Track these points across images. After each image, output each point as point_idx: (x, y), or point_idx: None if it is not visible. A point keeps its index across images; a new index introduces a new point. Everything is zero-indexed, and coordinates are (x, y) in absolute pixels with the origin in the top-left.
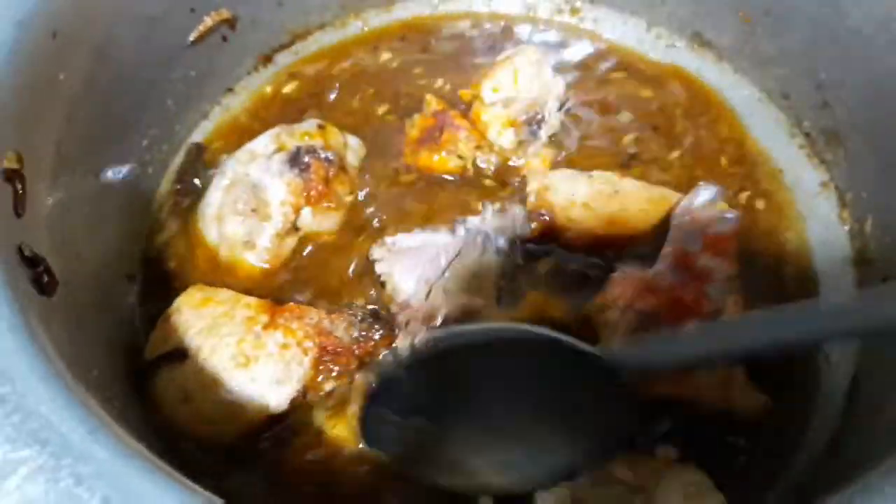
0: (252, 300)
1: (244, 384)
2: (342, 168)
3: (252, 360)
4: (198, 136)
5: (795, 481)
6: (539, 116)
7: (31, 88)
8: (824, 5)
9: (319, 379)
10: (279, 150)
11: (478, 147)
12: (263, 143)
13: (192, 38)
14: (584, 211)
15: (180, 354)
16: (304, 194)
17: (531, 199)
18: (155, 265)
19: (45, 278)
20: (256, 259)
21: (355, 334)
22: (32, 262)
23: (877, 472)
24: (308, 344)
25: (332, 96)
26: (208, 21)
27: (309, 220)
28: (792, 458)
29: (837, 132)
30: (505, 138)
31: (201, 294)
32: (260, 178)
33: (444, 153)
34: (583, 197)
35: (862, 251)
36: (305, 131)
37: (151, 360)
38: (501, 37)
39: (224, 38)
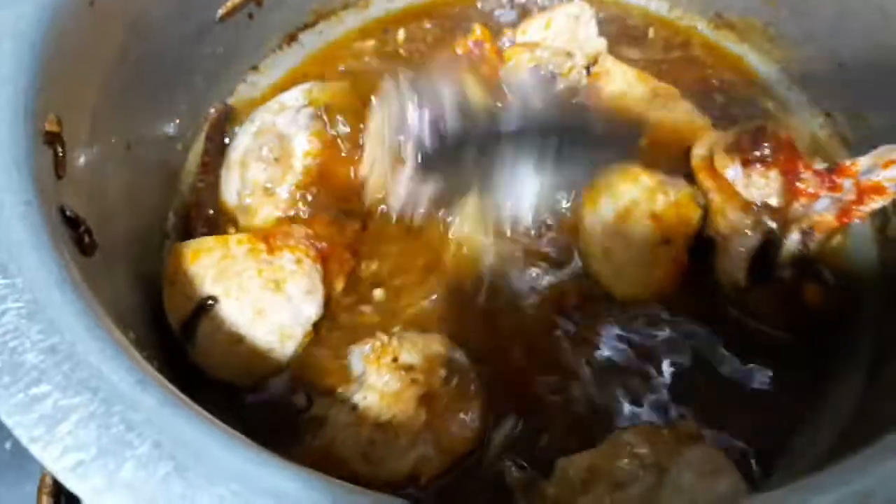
0: (239, 236)
1: (284, 305)
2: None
3: (281, 282)
4: None
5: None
6: (551, 67)
7: (69, 55)
8: None
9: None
10: (309, 104)
11: None
12: (294, 95)
13: (220, 14)
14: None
15: (211, 302)
16: (329, 150)
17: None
18: (185, 230)
19: (86, 239)
20: (273, 209)
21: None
22: (74, 223)
23: None
24: (312, 252)
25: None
26: None
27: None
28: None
29: (858, 112)
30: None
31: (187, 250)
32: (286, 129)
33: None
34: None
35: (882, 228)
36: (337, 91)
37: (185, 318)
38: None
39: (251, 16)
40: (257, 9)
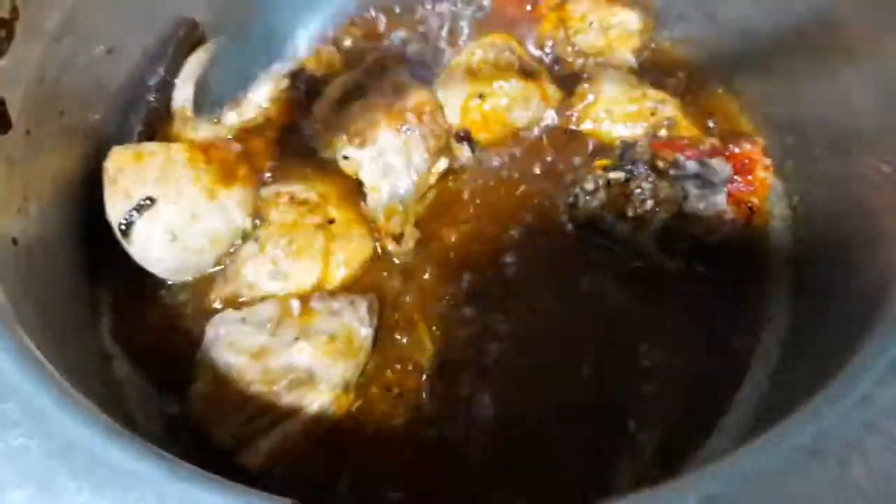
0: (179, 145)
1: (218, 212)
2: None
3: (216, 191)
4: None
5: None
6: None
7: None
8: None
9: None
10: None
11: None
12: None
13: None
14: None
15: (149, 201)
16: (283, 109)
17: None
18: None
19: None
20: (211, 133)
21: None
22: None
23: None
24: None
25: None
26: None
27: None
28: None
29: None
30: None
31: (129, 152)
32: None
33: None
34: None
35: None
36: (319, 57)
37: (126, 215)
38: None
39: None
40: None
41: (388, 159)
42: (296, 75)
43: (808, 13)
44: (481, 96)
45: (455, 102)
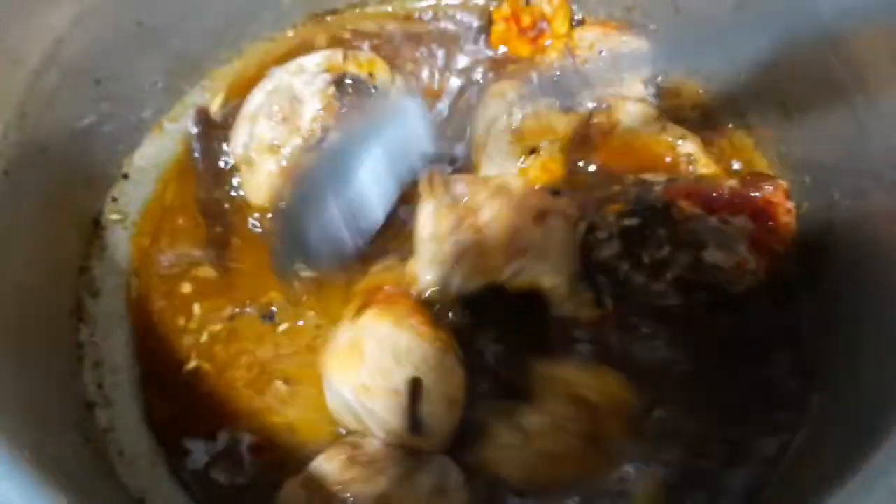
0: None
1: None
2: None
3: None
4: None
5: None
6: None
7: None
8: None
9: None
10: (328, 70)
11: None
12: (315, 60)
13: None
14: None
15: None
16: (336, 113)
17: None
18: None
19: None
20: (275, 165)
21: None
22: None
23: None
24: None
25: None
26: None
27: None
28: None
29: None
30: None
31: None
32: (301, 92)
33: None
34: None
35: None
36: (359, 61)
37: None
38: None
39: None
40: None
41: (548, 254)
42: (339, 81)
43: (831, 51)
44: (533, 151)
45: (509, 168)
